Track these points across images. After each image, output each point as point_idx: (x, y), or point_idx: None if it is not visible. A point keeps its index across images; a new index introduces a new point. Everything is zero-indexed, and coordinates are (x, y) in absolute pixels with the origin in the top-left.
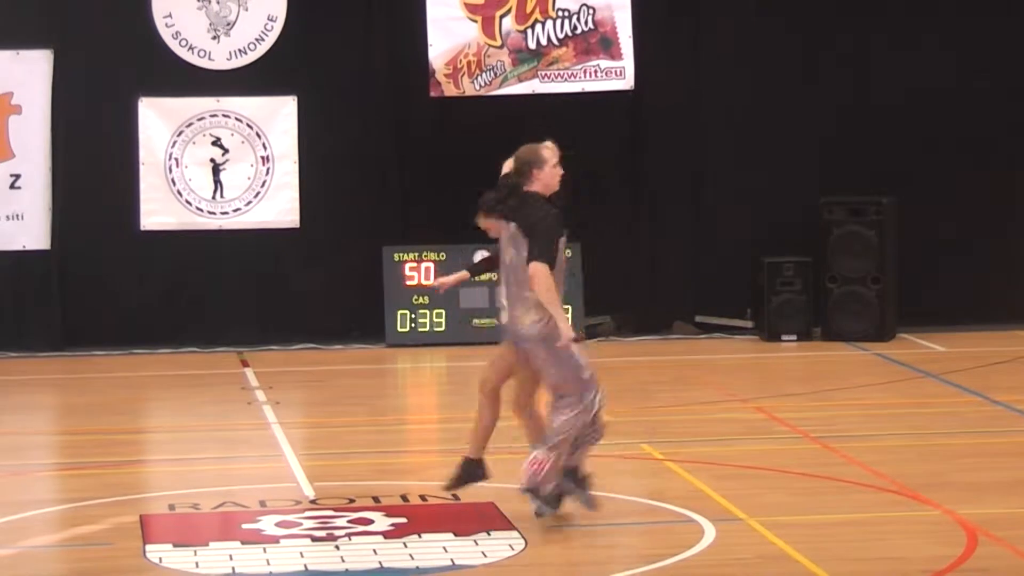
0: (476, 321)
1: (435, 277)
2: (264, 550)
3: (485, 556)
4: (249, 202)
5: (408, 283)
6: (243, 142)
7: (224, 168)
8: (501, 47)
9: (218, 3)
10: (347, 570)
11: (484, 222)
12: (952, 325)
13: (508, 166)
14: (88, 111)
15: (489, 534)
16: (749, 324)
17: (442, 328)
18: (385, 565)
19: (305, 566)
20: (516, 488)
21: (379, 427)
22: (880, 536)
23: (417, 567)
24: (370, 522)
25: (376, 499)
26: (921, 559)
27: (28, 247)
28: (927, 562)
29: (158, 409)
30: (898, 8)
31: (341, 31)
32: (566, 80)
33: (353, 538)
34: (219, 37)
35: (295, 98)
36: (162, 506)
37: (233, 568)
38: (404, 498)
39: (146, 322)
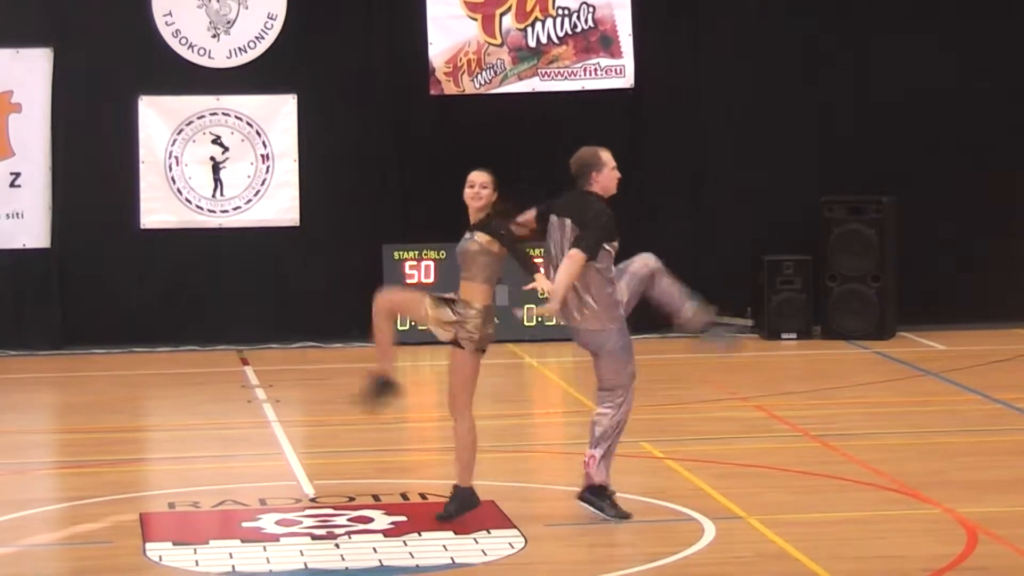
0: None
1: (435, 275)
2: (264, 548)
3: (485, 554)
4: (249, 200)
5: (408, 281)
6: (243, 140)
7: (224, 167)
8: (501, 45)
9: (218, 1)
10: (347, 568)
11: (527, 217)
12: (952, 323)
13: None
14: (88, 109)
15: (489, 532)
16: (749, 323)
17: None
18: (385, 563)
19: (305, 564)
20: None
21: (379, 426)
22: (880, 534)
23: (417, 565)
24: (370, 520)
25: (376, 497)
26: (921, 557)
27: (28, 245)
28: (927, 560)
29: (158, 407)
30: (898, 8)
31: (341, 29)
32: (566, 78)
33: (353, 536)
34: (219, 35)
35: (295, 96)
36: (162, 504)
37: (233, 566)
38: (404, 496)
39: (146, 320)
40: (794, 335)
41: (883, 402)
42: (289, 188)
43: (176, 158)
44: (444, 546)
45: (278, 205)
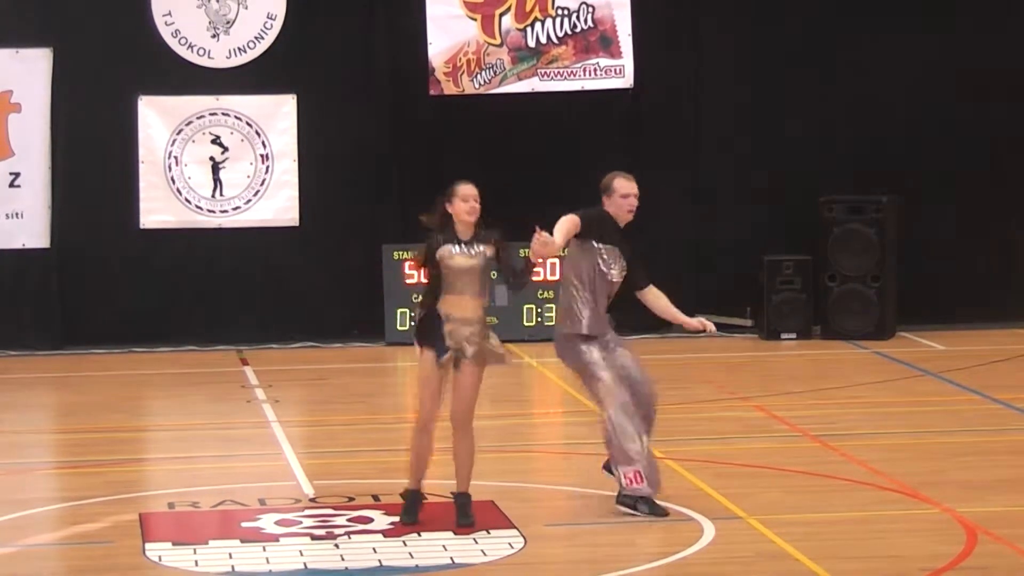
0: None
1: None
2: (264, 548)
3: (484, 554)
4: (248, 200)
5: (408, 281)
6: (243, 140)
7: (224, 166)
8: (501, 45)
9: (218, 1)
10: (347, 568)
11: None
12: (951, 323)
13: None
14: (88, 109)
15: (488, 532)
16: (749, 322)
17: None
18: (385, 563)
19: (305, 564)
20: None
21: (379, 425)
22: (879, 534)
23: (416, 565)
24: (370, 520)
25: (376, 497)
26: (920, 557)
27: (28, 245)
28: (926, 560)
29: (158, 407)
30: (898, 8)
31: (340, 30)
32: (565, 78)
33: (353, 536)
34: (219, 35)
35: (294, 96)
36: (161, 504)
37: (233, 567)
38: (404, 496)
39: (146, 320)
40: (794, 335)
41: (883, 402)
42: (288, 188)
43: (176, 158)
44: (444, 546)
45: (277, 205)
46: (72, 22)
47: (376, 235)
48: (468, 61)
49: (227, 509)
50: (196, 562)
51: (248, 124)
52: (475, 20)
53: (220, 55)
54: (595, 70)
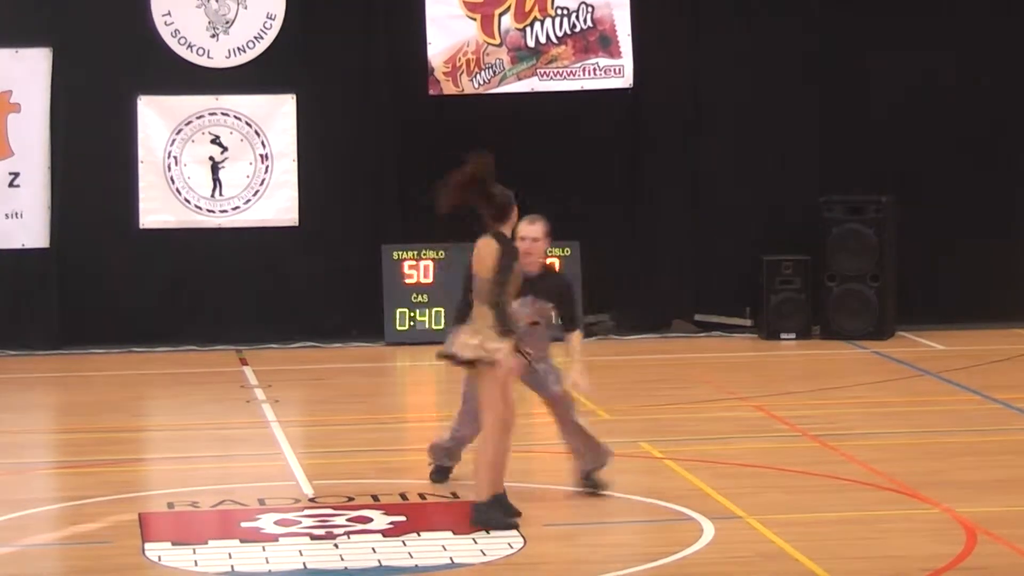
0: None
1: (433, 276)
2: (263, 548)
3: (484, 554)
4: (248, 200)
5: (407, 281)
6: (242, 140)
7: (223, 166)
8: (500, 45)
9: (217, 1)
10: (346, 568)
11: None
12: (951, 323)
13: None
14: (87, 109)
15: (488, 533)
16: (748, 322)
17: (441, 326)
18: (384, 563)
19: (304, 564)
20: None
21: (378, 425)
22: (879, 534)
23: (416, 565)
24: (369, 520)
25: (375, 497)
26: (920, 557)
27: (27, 245)
28: (926, 560)
29: (157, 407)
30: (898, 8)
31: (340, 29)
32: (565, 78)
33: (352, 536)
34: (218, 35)
35: (294, 96)
36: (161, 504)
37: (232, 567)
38: (403, 496)
39: (145, 320)
40: (793, 335)
41: (882, 402)
42: (288, 188)
43: (175, 158)
44: (443, 546)
45: (277, 205)
46: (72, 22)
47: (376, 235)
48: (467, 61)
49: (226, 509)
50: (195, 562)
51: (248, 124)
52: (474, 20)
53: (220, 55)
54: (594, 70)
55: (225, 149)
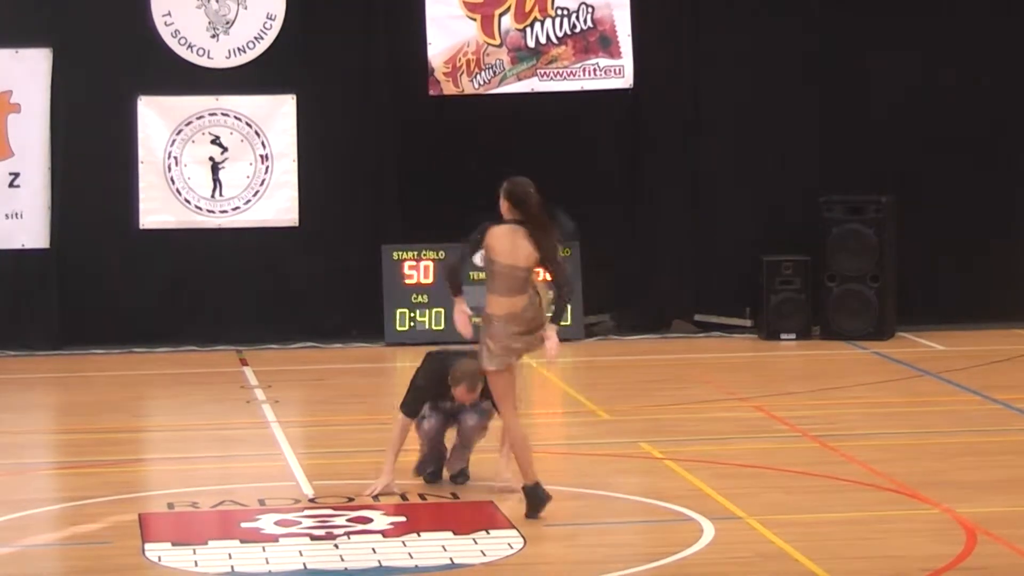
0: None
1: (434, 276)
2: (263, 549)
3: (484, 555)
4: (248, 201)
5: (407, 282)
6: (242, 141)
7: (223, 167)
8: (500, 46)
9: (217, 2)
10: (346, 569)
11: None
12: (951, 324)
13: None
14: (87, 110)
15: (488, 533)
16: (748, 323)
17: (441, 327)
18: (384, 564)
19: (304, 565)
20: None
21: (378, 426)
22: (879, 534)
23: (416, 566)
24: (369, 521)
25: (375, 498)
26: (920, 557)
27: (27, 245)
28: (926, 560)
29: (157, 408)
30: (898, 7)
31: (340, 29)
32: (565, 79)
33: (352, 537)
34: (218, 36)
35: (294, 97)
36: (161, 505)
37: (232, 567)
38: (403, 497)
39: (145, 321)
40: (793, 335)
41: (882, 402)
42: (288, 188)
43: (175, 158)
44: (443, 547)
45: (277, 205)
46: (72, 22)
47: (376, 235)
48: (468, 61)
49: (226, 509)
50: (196, 562)
51: (248, 124)
52: (475, 20)
53: (220, 55)
54: (594, 70)
55: (225, 149)
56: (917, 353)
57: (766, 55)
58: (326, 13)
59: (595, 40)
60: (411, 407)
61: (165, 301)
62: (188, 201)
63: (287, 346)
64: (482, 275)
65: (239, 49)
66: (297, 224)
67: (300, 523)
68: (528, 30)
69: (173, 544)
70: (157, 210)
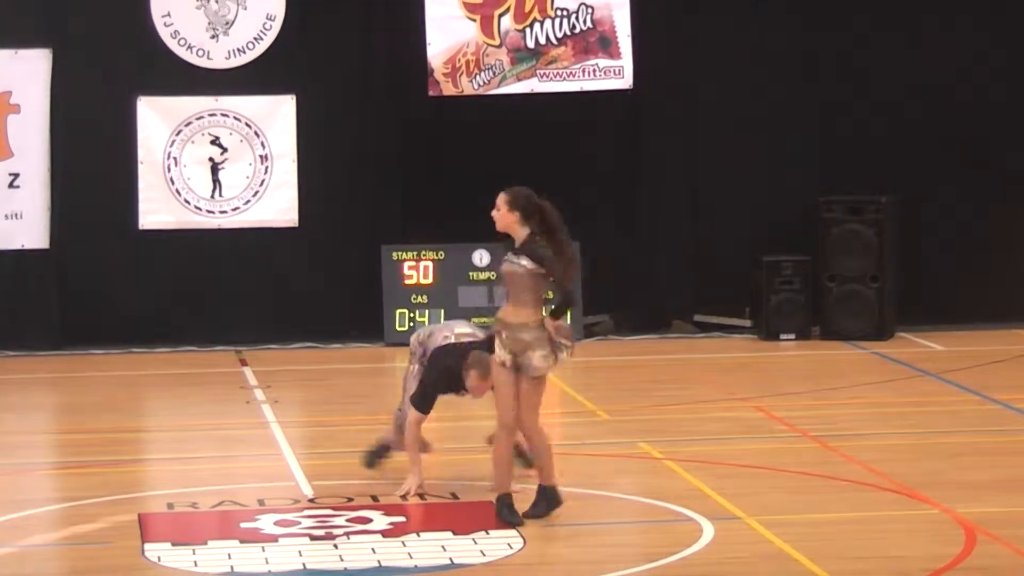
0: (475, 320)
1: (433, 276)
2: (263, 549)
3: (484, 555)
4: (248, 201)
5: (407, 282)
6: (242, 141)
7: (223, 167)
8: (500, 46)
9: (217, 2)
10: (346, 569)
11: None
12: (951, 324)
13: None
14: (87, 110)
15: (488, 533)
16: (748, 323)
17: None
18: (384, 564)
19: (304, 565)
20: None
21: (378, 426)
22: (879, 535)
23: (416, 566)
24: (369, 521)
25: (375, 498)
26: (920, 557)
27: (27, 246)
28: (926, 560)
29: (157, 408)
30: (898, 6)
31: (340, 30)
32: (565, 79)
33: (352, 537)
34: (218, 36)
35: (294, 97)
36: (161, 505)
37: (232, 567)
38: (403, 497)
39: (145, 321)
40: (793, 335)
41: (882, 402)
42: (288, 189)
43: (175, 159)
44: (443, 547)
45: (277, 206)
46: (71, 23)
47: (375, 235)
48: (467, 62)
49: (226, 509)
50: (195, 562)
51: (247, 125)
52: (474, 21)
53: (219, 56)
54: (594, 71)
55: (225, 150)
56: (917, 353)
57: (765, 55)
58: (326, 14)
59: (595, 41)
60: (424, 403)
61: (165, 301)
62: (188, 201)
63: (287, 346)
64: (482, 275)
65: (239, 50)
66: (297, 224)
67: (300, 523)
68: (528, 31)
69: (173, 544)
70: (157, 210)
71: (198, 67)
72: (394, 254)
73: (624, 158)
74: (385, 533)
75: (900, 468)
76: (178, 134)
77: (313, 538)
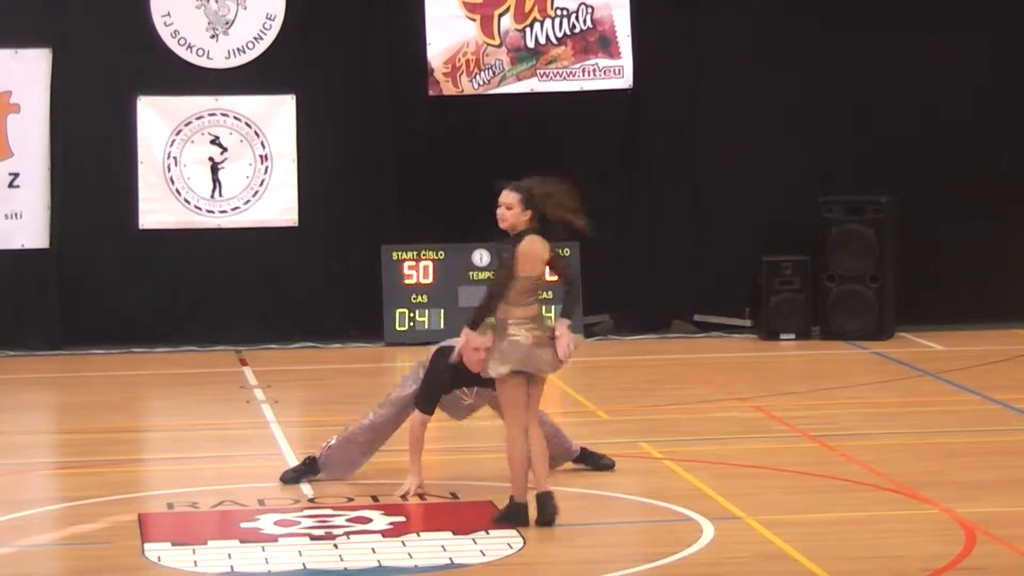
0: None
1: (433, 276)
2: (263, 549)
3: (484, 555)
4: (248, 201)
5: (407, 282)
6: (242, 141)
7: (223, 167)
8: (500, 46)
9: (216, 2)
10: (346, 569)
11: None
12: (951, 324)
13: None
14: (87, 110)
15: (488, 533)
16: (748, 323)
17: (441, 327)
18: (384, 564)
19: (304, 565)
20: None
21: None
22: (878, 535)
23: (416, 566)
24: (369, 521)
25: (375, 498)
26: (919, 557)
27: (27, 246)
28: (925, 560)
29: (156, 408)
30: (898, 7)
31: (340, 30)
32: (565, 79)
33: (352, 537)
34: (218, 36)
35: (294, 97)
36: (161, 505)
37: (232, 567)
38: (403, 497)
39: (145, 321)
40: (793, 335)
41: (882, 402)
42: (288, 188)
43: (175, 158)
44: (443, 547)
45: (277, 205)
46: (72, 22)
47: (375, 235)
48: (467, 62)
49: (226, 509)
50: (195, 562)
51: (247, 125)
52: (474, 20)
53: (219, 56)
54: (594, 71)
55: (225, 150)
56: (917, 353)
57: (766, 55)
58: (326, 13)
59: (595, 40)
60: (427, 405)
61: (164, 301)
62: (188, 201)
63: (286, 346)
64: (482, 275)
65: (239, 49)
66: (297, 224)
67: (299, 523)
68: (528, 30)
69: (173, 544)
70: (157, 210)
71: (198, 67)
72: (394, 254)
73: (624, 158)
74: (385, 533)
75: (900, 468)
76: (178, 134)
77: (313, 538)
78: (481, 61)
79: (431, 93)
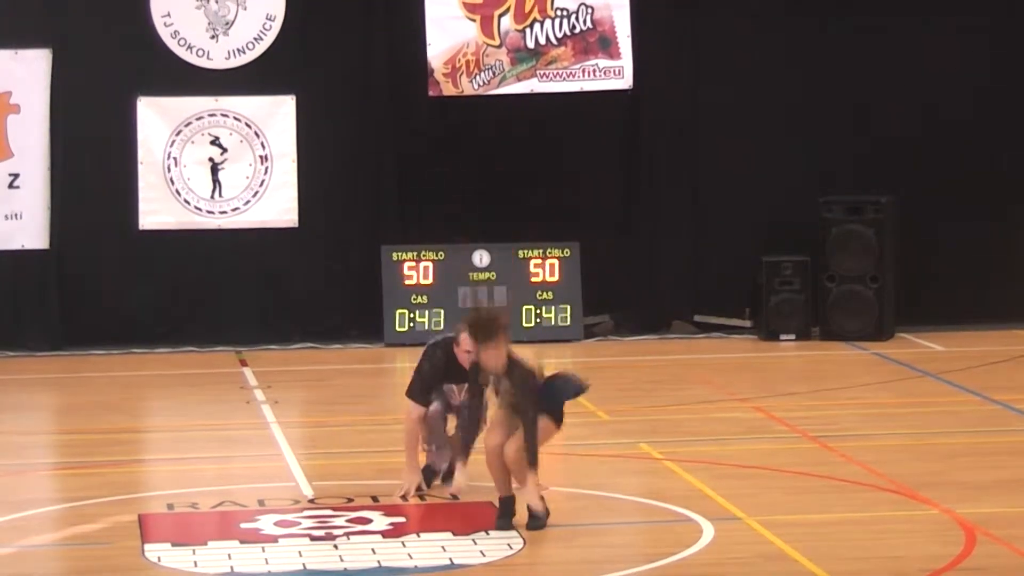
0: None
1: (433, 276)
2: (263, 549)
3: (484, 555)
4: (248, 201)
5: (407, 282)
6: (242, 141)
7: (223, 167)
8: (500, 46)
9: (216, 2)
10: (346, 569)
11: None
12: (951, 324)
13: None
14: (87, 110)
15: (488, 533)
16: (748, 323)
17: (440, 327)
18: (384, 564)
19: (304, 565)
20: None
21: (378, 427)
22: (878, 535)
23: (416, 566)
24: (369, 521)
25: (375, 498)
26: (919, 558)
27: (27, 246)
28: (925, 561)
29: (157, 408)
30: (898, 8)
31: (340, 30)
32: (564, 79)
33: (352, 537)
34: (218, 36)
35: (293, 97)
36: (161, 505)
37: (232, 567)
38: (402, 497)
39: (145, 321)
40: (793, 336)
41: (882, 403)
42: (288, 189)
43: (175, 159)
44: (443, 547)
45: (277, 206)
46: (71, 22)
47: (375, 236)
48: (467, 62)
49: (226, 510)
50: (195, 563)
51: (247, 125)
52: (474, 21)
53: (219, 56)
54: (594, 71)
55: (225, 150)
56: (917, 353)
57: (765, 55)
58: (326, 14)
59: (595, 41)
60: (421, 395)
61: (165, 302)
62: (188, 202)
63: (286, 347)
64: (481, 275)
65: (238, 50)
66: (297, 225)
67: (300, 524)
68: (528, 31)
69: (173, 545)
70: (157, 211)
71: (198, 67)
72: (394, 254)
73: (624, 158)
74: (385, 533)
75: (900, 468)
76: (178, 134)
77: (313, 538)
78: (481, 61)
79: (431, 93)
